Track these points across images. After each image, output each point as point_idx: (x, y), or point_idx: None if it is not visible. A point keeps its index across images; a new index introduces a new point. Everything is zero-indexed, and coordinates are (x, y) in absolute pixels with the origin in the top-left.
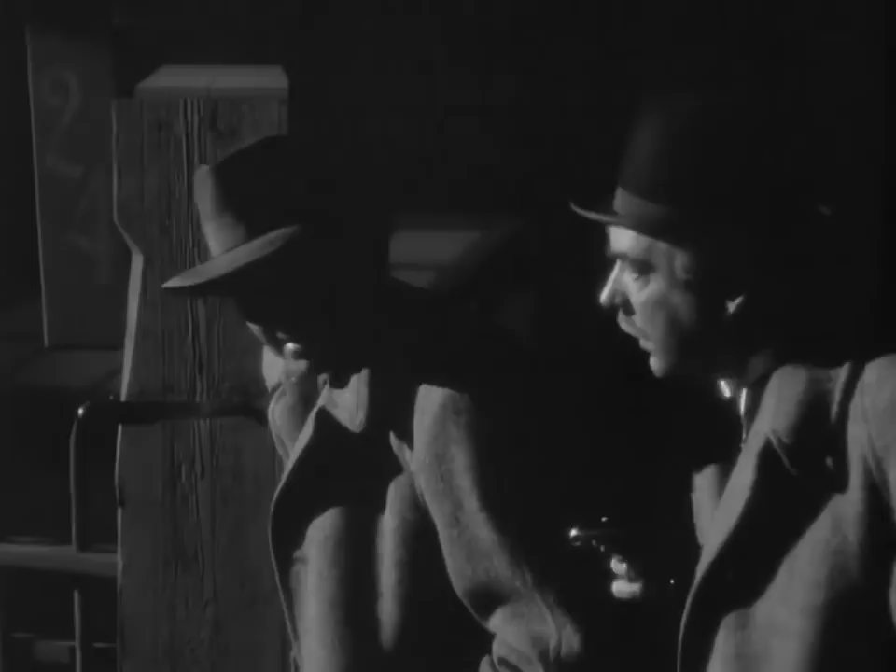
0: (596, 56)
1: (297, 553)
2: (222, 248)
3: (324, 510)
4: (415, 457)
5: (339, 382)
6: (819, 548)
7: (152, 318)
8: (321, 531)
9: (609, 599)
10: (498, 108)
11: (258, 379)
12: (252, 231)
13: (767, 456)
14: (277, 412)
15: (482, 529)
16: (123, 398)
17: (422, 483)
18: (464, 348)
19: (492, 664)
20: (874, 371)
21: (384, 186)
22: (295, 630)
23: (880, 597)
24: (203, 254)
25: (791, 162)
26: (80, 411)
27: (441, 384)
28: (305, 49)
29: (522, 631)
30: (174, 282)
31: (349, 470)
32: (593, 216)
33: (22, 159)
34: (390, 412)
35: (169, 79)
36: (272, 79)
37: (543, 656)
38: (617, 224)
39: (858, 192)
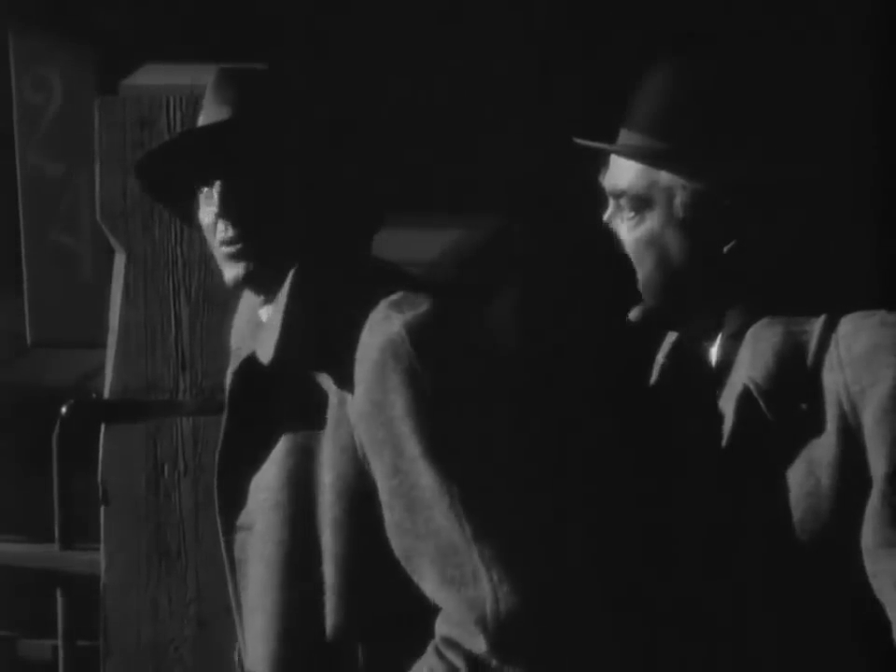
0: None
1: (241, 521)
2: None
3: (264, 469)
4: (355, 407)
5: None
6: (792, 491)
7: (135, 316)
8: (263, 492)
9: (585, 557)
10: (490, 106)
11: None
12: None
13: (744, 403)
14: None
15: (423, 477)
16: (106, 396)
17: (362, 434)
18: (417, 296)
19: (436, 648)
20: (848, 324)
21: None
22: (238, 603)
23: (850, 540)
24: (186, 251)
25: (787, 102)
26: (63, 409)
27: (382, 329)
28: (290, 46)
29: (456, 597)
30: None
31: (281, 421)
32: (599, 145)
33: (5, 156)
34: (308, 349)
35: (152, 77)
36: None
37: (481, 622)
38: (624, 154)
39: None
